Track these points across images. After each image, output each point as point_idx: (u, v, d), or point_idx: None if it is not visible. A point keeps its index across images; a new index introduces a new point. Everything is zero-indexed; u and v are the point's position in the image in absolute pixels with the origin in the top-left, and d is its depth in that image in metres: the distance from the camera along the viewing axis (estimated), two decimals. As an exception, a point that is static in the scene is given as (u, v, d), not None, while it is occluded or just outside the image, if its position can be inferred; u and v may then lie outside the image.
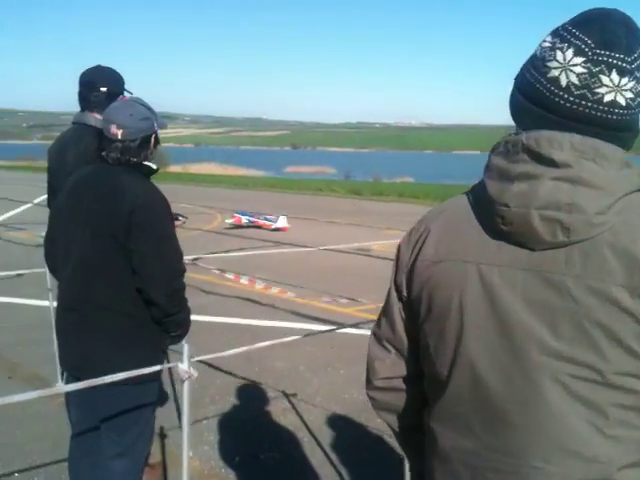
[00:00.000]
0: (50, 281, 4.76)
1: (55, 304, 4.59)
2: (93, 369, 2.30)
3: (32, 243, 11.31)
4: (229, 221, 15.34)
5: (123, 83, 3.24)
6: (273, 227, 14.56)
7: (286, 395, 4.51)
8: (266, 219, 14.96)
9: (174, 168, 56.14)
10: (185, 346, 2.05)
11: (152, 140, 2.47)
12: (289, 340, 2.95)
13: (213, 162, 62.04)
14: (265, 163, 75.51)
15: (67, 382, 2.64)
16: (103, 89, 3.08)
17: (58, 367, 4.77)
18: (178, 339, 2.53)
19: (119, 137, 2.35)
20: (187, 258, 9.71)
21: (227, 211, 18.32)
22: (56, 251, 2.52)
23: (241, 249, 11.43)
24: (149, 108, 2.47)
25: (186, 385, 2.03)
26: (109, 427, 2.41)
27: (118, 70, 3.24)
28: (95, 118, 3.09)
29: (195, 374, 2.03)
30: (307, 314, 6.88)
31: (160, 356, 2.46)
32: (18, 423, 3.93)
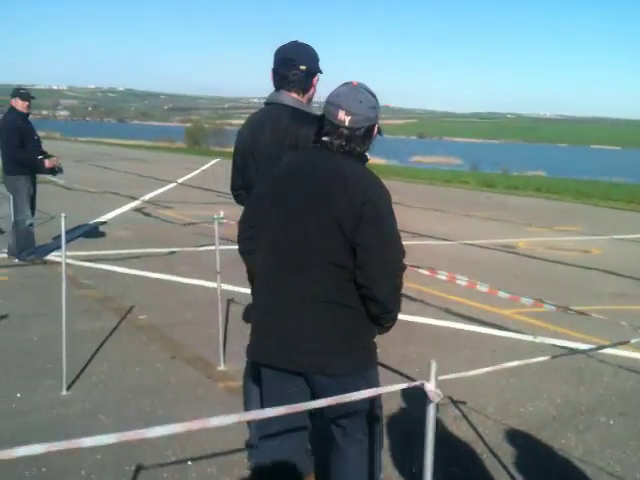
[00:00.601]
0: (219, 263, 4.75)
1: (224, 287, 4.57)
2: (315, 364, 2.22)
3: (180, 222, 11.75)
4: None
5: (319, 61, 3.04)
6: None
7: (454, 402, 4.19)
8: None
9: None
10: (432, 364, 1.79)
11: (374, 130, 2.33)
12: (538, 361, 2.62)
13: None
14: (390, 152, 74.78)
15: (256, 372, 2.50)
16: (303, 67, 2.88)
17: (221, 350, 4.76)
18: (387, 330, 2.45)
19: (346, 124, 2.22)
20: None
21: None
22: (254, 234, 2.43)
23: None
24: (375, 96, 2.32)
25: (432, 407, 1.78)
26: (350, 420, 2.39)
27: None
28: (293, 98, 2.90)
29: (441, 395, 1.77)
30: (460, 313, 6.49)
31: (376, 348, 2.39)
32: (185, 407, 3.90)
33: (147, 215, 12.51)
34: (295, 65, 2.86)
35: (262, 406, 2.44)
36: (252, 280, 2.63)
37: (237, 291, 6.77)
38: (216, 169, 28.87)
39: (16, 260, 7.51)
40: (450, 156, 67.08)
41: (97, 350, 4.80)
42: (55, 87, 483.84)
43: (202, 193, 17.56)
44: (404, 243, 2.29)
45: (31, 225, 7.45)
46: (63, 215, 4.04)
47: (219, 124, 79.20)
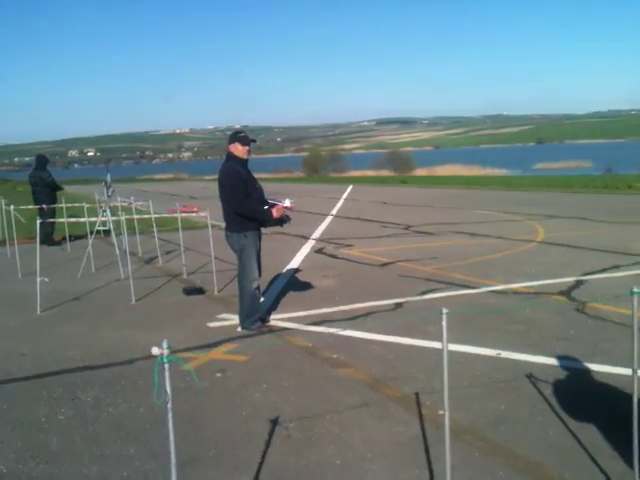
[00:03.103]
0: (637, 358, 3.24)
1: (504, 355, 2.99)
2: None
3: (373, 262, 10.28)
4: None
5: None
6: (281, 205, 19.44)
7: None
8: (278, 201, 20.33)
9: (420, 171, 55.71)
10: None
11: None
12: None
13: (456, 164, 60.29)
14: (508, 161, 71.41)
15: None
16: None
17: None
18: None
19: None
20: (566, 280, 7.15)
21: (533, 217, 16.23)
22: None
23: (615, 267, 9.30)
24: None
25: None
26: None
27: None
28: None
29: None
30: None
31: None
32: None
33: (333, 257, 11.35)
34: None
35: None
36: None
37: (530, 360, 5.28)
38: (357, 196, 27.91)
39: (239, 329, 6.45)
40: (577, 160, 63.22)
41: (431, 482, 3.42)
42: (178, 131, 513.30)
43: (367, 225, 16.38)
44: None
45: (257, 288, 6.38)
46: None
47: (333, 150, 79.29)
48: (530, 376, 4.88)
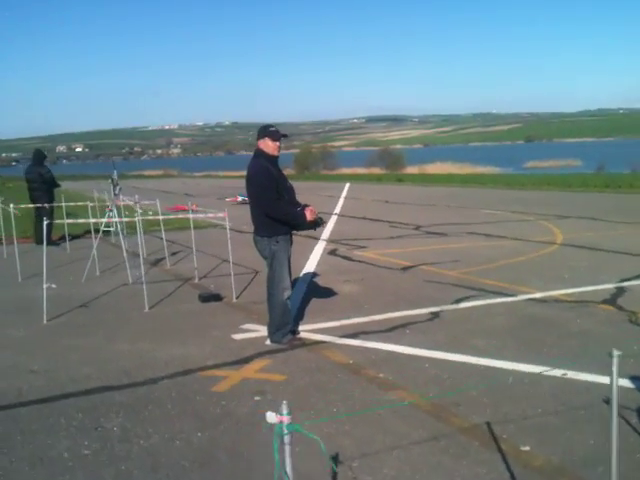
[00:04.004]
0: None
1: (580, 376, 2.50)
2: None
3: (392, 265, 9.70)
4: (228, 199, 23.94)
5: None
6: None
7: None
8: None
9: (410, 169, 55.26)
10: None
11: None
12: None
13: (446, 162, 59.95)
14: (499, 159, 71.31)
15: None
16: None
17: None
18: None
19: None
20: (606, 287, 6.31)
21: (543, 216, 15.81)
22: None
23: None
24: None
25: None
26: None
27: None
28: None
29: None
30: None
31: None
32: None
33: (348, 259, 10.82)
34: None
35: None
36: None
37: (601, 382, 4.75)
38: (356, 194, 27.38)
39: (267, 342, 5.90)
40: (567, 158, 63.29)
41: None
42: (167, 127, 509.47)
43: (374, 224, 15.88)
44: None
45: (289, 298, 5.82)
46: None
47: (324, 147, 78.62)
48: (609, 402, 4.37)
